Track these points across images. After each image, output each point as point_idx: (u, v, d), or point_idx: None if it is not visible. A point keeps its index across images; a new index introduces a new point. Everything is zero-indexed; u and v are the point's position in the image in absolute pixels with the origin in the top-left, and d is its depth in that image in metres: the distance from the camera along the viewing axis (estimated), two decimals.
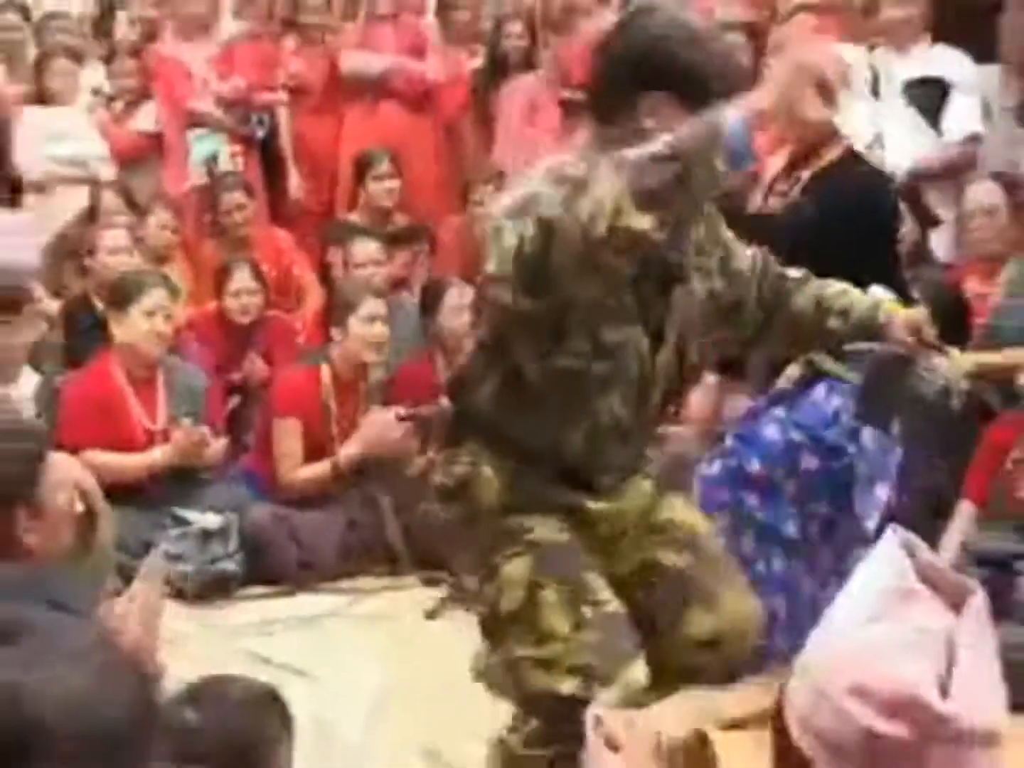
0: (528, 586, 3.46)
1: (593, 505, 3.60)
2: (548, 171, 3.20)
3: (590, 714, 2.20)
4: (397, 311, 7.30)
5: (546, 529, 3.51)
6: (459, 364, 4.04)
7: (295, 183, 8.59)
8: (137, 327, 6.35)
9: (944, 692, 1.65)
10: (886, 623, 1.70)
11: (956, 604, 1.71)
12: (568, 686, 3.34)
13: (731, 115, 3.14)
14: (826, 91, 5.05)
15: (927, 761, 1.65)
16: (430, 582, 6.30)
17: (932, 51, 7.23)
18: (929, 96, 7.22)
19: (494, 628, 3.60)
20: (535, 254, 3.12)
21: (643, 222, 2.97)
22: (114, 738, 1.92)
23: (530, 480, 3.53)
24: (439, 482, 3.66)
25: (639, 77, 3.32)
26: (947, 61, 7.29)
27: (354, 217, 8.06)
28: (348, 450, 6.52)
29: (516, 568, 3.48)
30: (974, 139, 7.18)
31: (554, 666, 3.39)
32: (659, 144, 3.01)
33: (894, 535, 1.79)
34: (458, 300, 6.81)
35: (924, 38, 7.28)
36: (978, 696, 1.66)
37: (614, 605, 3.45)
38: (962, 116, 7.18)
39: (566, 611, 3.41)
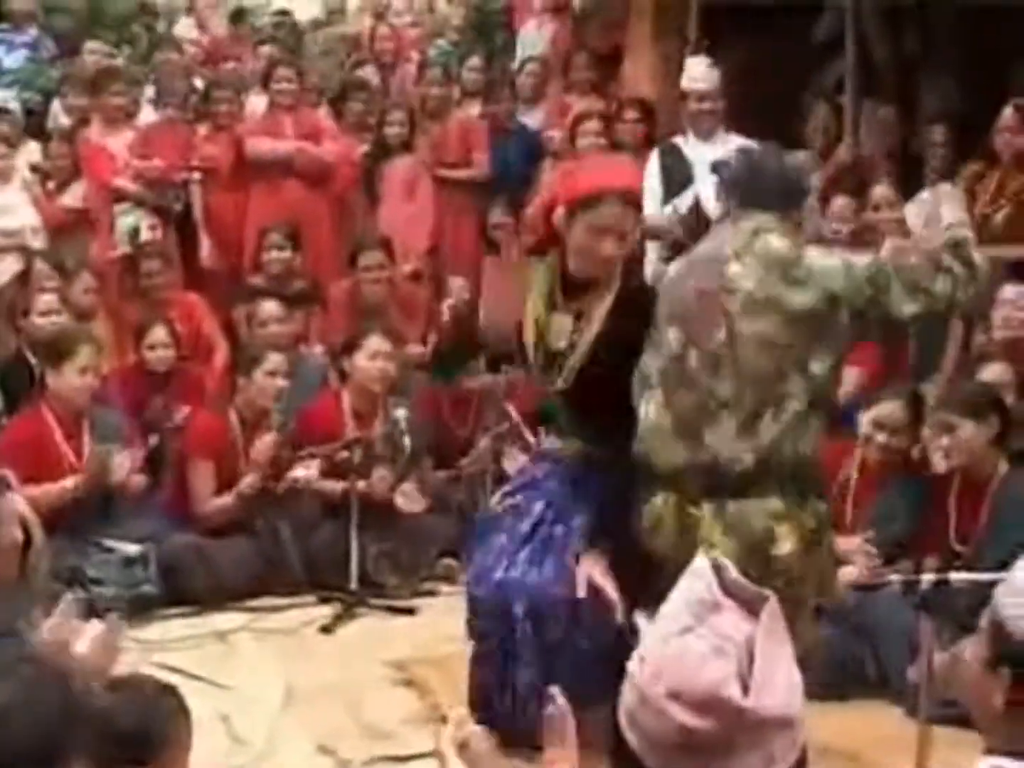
0: None
1: None
2: None
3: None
4: (300, 363, 7.33)
5: None
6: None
7: (206, 251, 8.56)
8: (70, 381, 6.33)
9: (745, 689, 1.71)
10: (696, 632, 1.74)
11: (754, 611, 1.77)
12: None
13: None
14: None
15: (734, 746, 1.70)
16: (325, 600, 6.31)
17: (729, 137, 7.33)
18: None
19: None
20: None
21: None
22: (44, 740, 1.93)
23: None
24: None
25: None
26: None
27: (257, 281, 8.04)
28: (247, 479, 6.51)
29: None
30: None
31: None
32: None
33: (704, 555, 1.85)
34: (378, 347, 6.79)
35: (720, 128, 7.43)
36: (772, 689, 1.72)
37: None
38: None
39: None
